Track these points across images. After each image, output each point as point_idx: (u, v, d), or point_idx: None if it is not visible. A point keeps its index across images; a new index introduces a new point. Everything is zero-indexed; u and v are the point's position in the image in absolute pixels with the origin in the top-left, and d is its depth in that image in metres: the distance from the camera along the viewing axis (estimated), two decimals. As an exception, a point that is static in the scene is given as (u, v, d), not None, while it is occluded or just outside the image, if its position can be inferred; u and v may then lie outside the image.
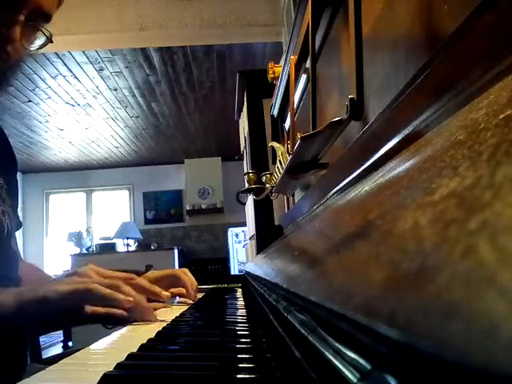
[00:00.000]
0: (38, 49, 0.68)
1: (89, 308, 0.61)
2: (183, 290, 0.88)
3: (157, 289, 0.73)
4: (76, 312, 0.61)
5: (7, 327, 0.58)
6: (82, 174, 6.00)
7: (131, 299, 0.62)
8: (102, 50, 2.98)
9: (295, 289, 0.26)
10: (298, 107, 0.91)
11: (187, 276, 0.91)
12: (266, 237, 1.97)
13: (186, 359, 0.38)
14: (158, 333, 0.51)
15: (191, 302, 0.93)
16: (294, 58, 0.80)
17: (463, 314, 0.08)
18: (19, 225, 0.83)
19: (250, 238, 2.57)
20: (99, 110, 4.12)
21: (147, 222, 5.89)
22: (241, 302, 0.94)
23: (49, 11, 0.65)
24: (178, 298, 1.06)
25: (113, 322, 0.64)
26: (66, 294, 0.58)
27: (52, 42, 0.67)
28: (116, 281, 0.64)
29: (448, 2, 0.27)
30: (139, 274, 0.82)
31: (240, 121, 2.82)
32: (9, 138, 0.86)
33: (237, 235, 5.27)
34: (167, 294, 0.75)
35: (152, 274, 0.86)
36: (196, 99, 4.02)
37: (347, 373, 0.15)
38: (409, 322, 0.10)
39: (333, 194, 0.51)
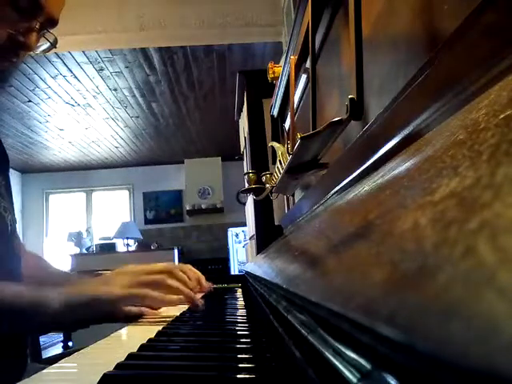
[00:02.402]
0: (42, 53, 0.69)
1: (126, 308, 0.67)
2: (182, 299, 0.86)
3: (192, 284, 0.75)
4: (116, 312, 0.66)
5: (56, 325, 0.63)
6: (81, 173, 5.99)
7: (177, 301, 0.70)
8: (102, 50, 2.98)
9: (295, 289, 0.26)
10: (297, 107, 0.91)
11: (188, 269, 0.85)
12: (266, 237, 1.97)
13: (186, 359, 0.38)
14: (158, 333, 0.51)
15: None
16: (293, 58, 0.80)
17: (463, 314, 0.08)
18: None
19: (250, 238, 2.57)
20: (99, 110, 4.12)
21: (147, 221, 5.89)
22: (241, 302, 0.94)
23: (58, 18, 0.68)
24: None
25: (126, 320, 0.69)
26: (120, 296, 0.64)
27: (56, 47, 0.69)
28: (161, 276, 0.69)
29: (448, 1, 0.27)
30: None
31: (240, 121, 2.82)
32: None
33: (237, 235, 5.27)
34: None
35: (148, 268, 0.83)
36: (196, 99, 4.02)
37: (347, 373, 0.15)
38: (409, 322, 0.10)
39: (333, 194, 0.51)
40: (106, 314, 0.65)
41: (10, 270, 0.68)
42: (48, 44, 0.69)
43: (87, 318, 0.64)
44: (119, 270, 0.71)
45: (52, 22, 0.67)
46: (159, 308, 0.75)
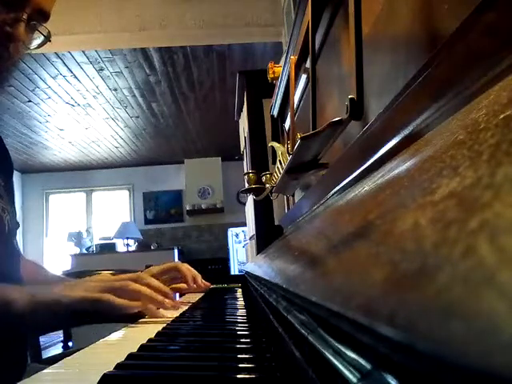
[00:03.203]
0: (36, 48, 0.69)
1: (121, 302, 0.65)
2: (183, 286, 0.88)
3: (165, 289, 0.73)
4: (87, 316, 0.65)
5: (18, 325, 0.61)
6: (81, 173, 5.99)
7: (139, 304, 0.66)
8: (102, 50, 2.98)
9: (295, 289, 0.26)
10: (298, 107, 0.91)
11: (187, 268, 0.90)
12: (266, 237, 1.97)
13: (186, 359, 0.39)
14: (158, 333, 0.51)
15: (193, 301, 0.93)
16: (294, 58, 0.80)
17: (463, 314, 0.08)
18: (17, 224, 0.83)
19: (250, 238, 2.57)
20: (99, 110, 4.12)
21: (147, 222, 5.89)
22: (241, 302, 0.94)
23: (48, 10, 0.67)
24: (178, 296, 1.06)
25: (127, 320, 0.69)
26: (79, 300, 0.62)
27: (50, 41, 0.69)
28: (126, 281, 0.68)
29: (448, 1, 0.27)
30: None
31: (240, 121, 2.82)
32: (9, 138, 0.87)
33: (237, 235, 5.27)
34: (170, 302, 0.74)
35: (153, 268, 0.86)
36: (196, 99, 4.02)
37: (347, 373, 0.15)
38: (409, 322, 0.10)
39: (333, 194, 0.51)
40: (71, 317, 0.64)
41: (6, 270, 0.67)
42: (42, 38, 0.68)
43: (51, 320, 0.64)
44: (90, 278, 0.71)
45: (42, 14, 0.66)
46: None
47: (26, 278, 0.75)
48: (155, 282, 0.71)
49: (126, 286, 0.66)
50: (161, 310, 0.72)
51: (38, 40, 0.68)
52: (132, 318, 0.70)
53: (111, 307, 0.64)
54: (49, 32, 0.68)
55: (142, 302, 0.67)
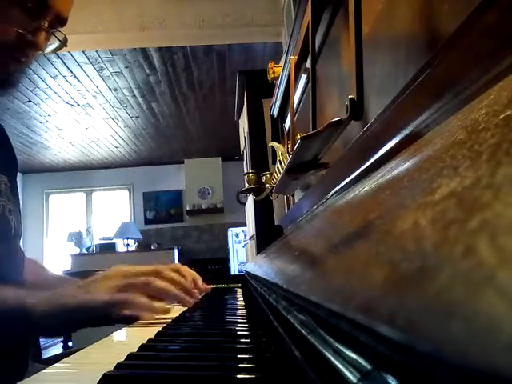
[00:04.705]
0: (52, 52, 0.69)
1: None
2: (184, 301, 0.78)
3: (189, 284, 0.71)
4: (104, 317, 0.61)
5: (36, 330, 0.59)
6: (81, 174, 5.99)
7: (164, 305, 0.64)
8: (102, 50, 2.98)
9: (295, 289, 0.26)
10: (298, 107, 0.91)
11: (187, 270, 0.79)
12: (266, 237, 1.97)
13: (186, 359, 0.38)
14: (158, 333, 0.51)
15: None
16: (294, 58, 0.80)
17: (463, 314, 0.08)
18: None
19: (250, 238, 2.57)
20: (99, 110, 4.12)
21: (147, 222, 5.89)
22: (241, 302, 0.94)
23: (67, 16, 0.67)
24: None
25: (123, 322, 0.65)
26: (104, 302, 0.59)
27: (66, 45, 0.69)
28: (148, 278, 0.64)
29: (448, 1, 0.27)
30: None
31: (240, 121, 2.82)
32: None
33: (237, 235, 5.27)
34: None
35: (160, 267, 0.75)
36: (196, 99, 4.02)
37: (347, 373, 0.15)
38: (408, 323, 0.10)
39: (333, 194, 0.51)
40: (93, 320, 0.61)
41: (11, 272, 0.67)
42: (58, 43, 0.68)
43: (72, 323, 0.61)
44: (107, 272, 0.66)
45: (61, 21, 0.66)
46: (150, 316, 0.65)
47: (26, 277, 0.74)
48: (178, 277, 0.67)
49: (149, 283, 0.62)
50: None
51: (53, 45, 0.69)
52: (127, 320, 0.65)
53: (137, 308, 0.60)
54: (65, 37, 0.68)
55: (166, 300, 0.64)
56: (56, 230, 5.86)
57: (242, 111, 2.63)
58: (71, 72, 3.32)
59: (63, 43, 0.69)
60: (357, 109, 0.42)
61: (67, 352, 0.92)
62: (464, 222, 0.10)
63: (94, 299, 0.59)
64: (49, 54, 0.66)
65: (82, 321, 0.61)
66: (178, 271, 0.83)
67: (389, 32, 0.39)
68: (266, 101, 2.03)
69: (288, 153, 0.71)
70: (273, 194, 0.97)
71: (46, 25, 0.63)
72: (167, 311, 0.65)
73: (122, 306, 0.60)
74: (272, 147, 1.01)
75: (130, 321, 0.65)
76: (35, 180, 5.90)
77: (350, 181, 0.43)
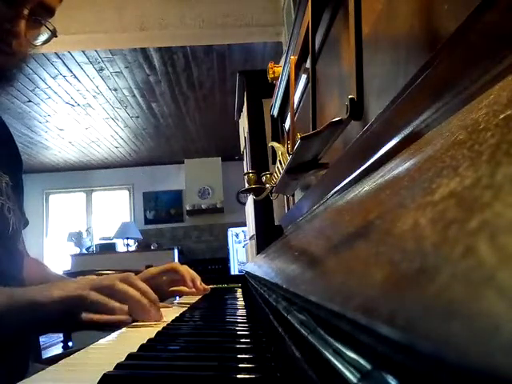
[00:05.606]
0: (42, 44, 0.68)
1: (84, 315, 0.59)
2: (184, 289, 0.86)
3: (151, 296, 0.66)
4: (69, 318, 0.59)
5: None
6: (82, 174, 6.00)
7: (125, 308, 0.60)
8: (102, 50, 2.98)
9: (295, 289, 0.26)
10: (298, 107, 0.91)
11: (186, 270, 0.88)
12: (266, 237, 1.98)
13: (185, 359, 0.39)
14: (158, 333, 0.51)
15: (192, 301, 0.93)
16: (294, 58, 0.80)
17: (463, 314, 0.08)
18: (26, 223, 0.82)
19: (250, 238, 2.57)
20: (99, 110, 4.12)
21: (147, 222, 5.89)
22: (241, 302, 0.94)
23: (52, 5, 0.65)
24: (178, 297, 1.05)
25: (110, 327, 0.62)
26: (57, 299, 0.57)
27: (56, 36, 0.67)
28: (113, 280, 0.62)
29: (448, 2, 0.27)
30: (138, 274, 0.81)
31: (240, 121, 2.82)
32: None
33: (237, 235, 5.27)
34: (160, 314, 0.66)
35: (152, 270, 0.84)
36: (196, 99, 4.02)
37: (347, 373, 0.15)
38: (408, 322, 0.10)
39: (333, 194, 0.51)
40: (58, 319, 0.59)
41: (6, 271, 0.67)
42: (47, 35, 0.67)
43: (33, 321, 0.58)
44: (83, 277, 0.65)
45: (46, 9, 0.65)
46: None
47: (27, 276, 0.74)
48: (143, 285, 0.65)
49: (113, 286, 0.61)
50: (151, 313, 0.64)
51: (43, 36, 0.67)
52: (105, 327, 0.62)
53: (97, 306, 0.58)
54: (54, 28, 0.67)
55: (128, 305, 0.61)
56: (56, 230, 5.87)
57: (242, 111, 2.63)
58: (71, 72, 3.32)
59: (53, 33, 0.67)
60: (357, 109, 0.43)
61: (67, 352, 0.91)
62: (464, 222, 0.10)
63: (48, 294, 0.57)
64: (48, 54, 0.66)
65: (36, 320, 0.58)
66: (178, 271, 0.85)
67: (389, 32, 0.39)
68: (266, 101, 2.03)
69: (288, 153, 0.71)
70: (273, 194, 0.97)
71: (25, 12, 0.61)
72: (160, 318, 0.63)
73: (97, 310, 0.58)
74: (272, 147, 1.01)
75: (105, 327, 0.61)
76: (35, 180, 5.90)
77: (350, 181, 0.43)
